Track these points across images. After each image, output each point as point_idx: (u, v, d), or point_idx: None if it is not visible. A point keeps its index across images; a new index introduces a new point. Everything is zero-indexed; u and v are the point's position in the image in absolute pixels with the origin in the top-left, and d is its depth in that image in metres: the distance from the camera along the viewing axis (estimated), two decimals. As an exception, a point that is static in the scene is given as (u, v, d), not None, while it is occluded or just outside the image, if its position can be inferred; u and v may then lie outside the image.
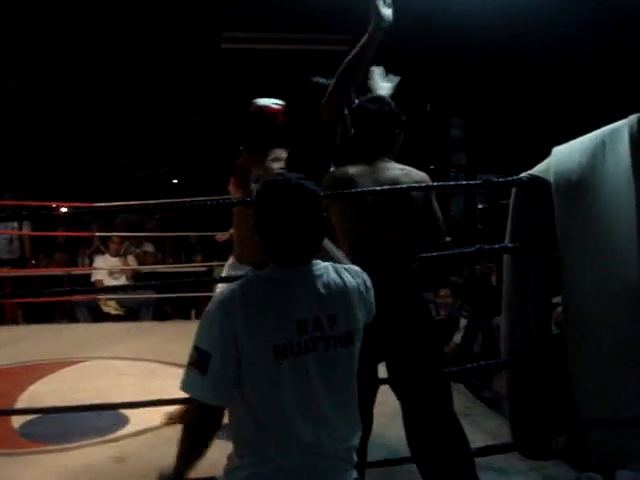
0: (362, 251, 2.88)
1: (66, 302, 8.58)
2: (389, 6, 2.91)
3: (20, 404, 4.91)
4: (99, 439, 4.23)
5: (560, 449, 3.11)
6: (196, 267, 9.09)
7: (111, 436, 4.28)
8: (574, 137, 3.02)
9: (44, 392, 5.18)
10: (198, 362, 1.92)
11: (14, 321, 8.49)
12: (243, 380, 1.93)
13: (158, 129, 11.23)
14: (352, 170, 2.99)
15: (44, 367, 5.79)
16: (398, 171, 2.99)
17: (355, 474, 2.05)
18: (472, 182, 3.03)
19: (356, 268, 2.14)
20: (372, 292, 2.14)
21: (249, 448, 1.97)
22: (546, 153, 3.09)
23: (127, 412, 4.45)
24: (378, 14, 2.88)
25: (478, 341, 6.00)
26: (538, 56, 8.20)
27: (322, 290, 1.99)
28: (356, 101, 3.12)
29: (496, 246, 3.06)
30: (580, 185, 2.84)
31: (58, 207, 10.40)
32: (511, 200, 3.05)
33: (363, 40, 2.90)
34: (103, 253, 8.88)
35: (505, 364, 3.22)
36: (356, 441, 2.05)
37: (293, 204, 1.96)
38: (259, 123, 3.55)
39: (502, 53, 8.19)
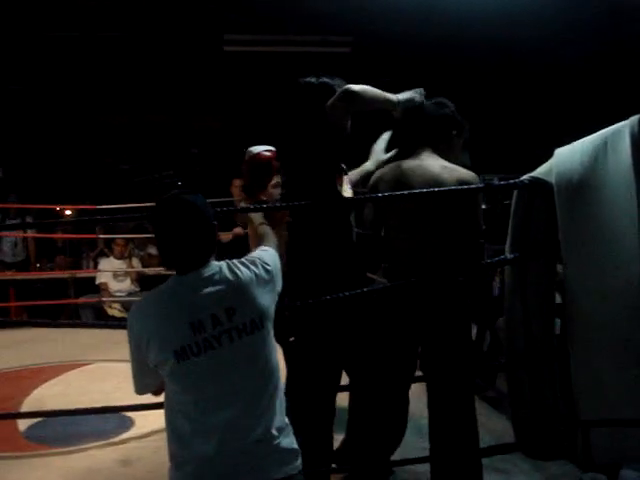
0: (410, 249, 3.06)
1: (71, 305, 8.61)
2: (421, 96, 3.24)
3: (25, 407, 4.93)
4: (104, 442, 4.25)
5: (564, 449, 3.12)
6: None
7: (116, 439, 4.30)
8: (577, 137, 3.02)
9: (49, 395, 5.21)
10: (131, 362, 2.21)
11: (19, 324, 8.52)
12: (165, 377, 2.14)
13: (159, 132, 11.24)
14: (403, 166, 3.13)
15: (49, 370, 5.82)
16: (439, 167, 3.10)
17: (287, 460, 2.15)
18: (473, 186, 3.03)
19: (253, 256, 2.30)
20: (276, 269, 2.30)
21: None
22: (549, 153, 3.09)
23: (132, 415, 4.48)
24: (412, 100, 3.18)
25: (486, 339, 5.99)
26: (540, 56, 8.19)
27: (216, 288, 2.14)
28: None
29: (495, 259, 3.08)
30: (582, 186, 2.84)
31: (62, 210, 10.43)
32: (512, 202, 3.06)
33: (389, 100, 3.14)
34: (107, 256, 8.91)
35: (507, 364, 3.23)
36: (277, 425, 2.15)
37: (174, 217, 2.16)
38: (256, 170, 3.59)
39: (504, 53, 8.18)
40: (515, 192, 3.08)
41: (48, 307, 8.69)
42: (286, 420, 2.20)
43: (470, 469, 3.06)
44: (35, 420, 4.46)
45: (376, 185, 3.16)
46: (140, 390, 2.26)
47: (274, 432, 2.12)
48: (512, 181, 3.07)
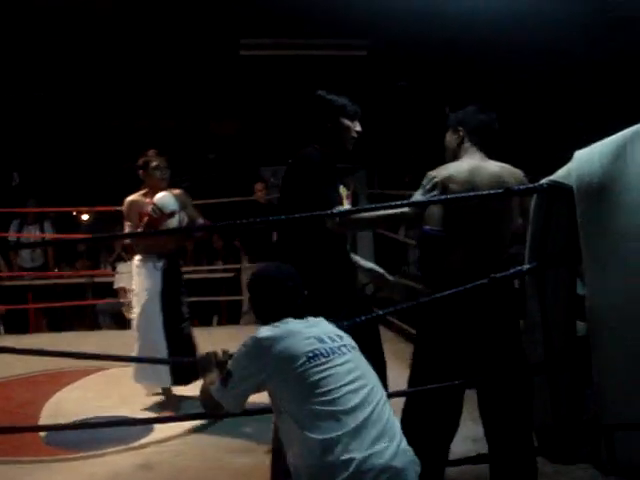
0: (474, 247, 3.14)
1: (89, 309, 8.66)
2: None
3: (46, 412, 4.97)
4: (124, 447, 4.26)
5: (587, 453, 3.10)
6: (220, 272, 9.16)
7: (136, 444, 4.31)
8: (588, 137, 3.01)
9: (69, 400, 5.24)
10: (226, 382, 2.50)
11: (38, 329, 8.58)
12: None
13: (176, 137, 11.26)
14: (466, 167, 3.19)
15: (69, 375, 5.84)
16: (498, 168, 3.21)
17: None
18: (493, 192, 3.03)
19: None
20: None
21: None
22: (564, 154, 3.07)
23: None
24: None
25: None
26: (557, 57, 8.15)
27: (322, 324, 2.63)
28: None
29: (517, 269, 3.07)
30: (602, 188, 2.82)
31: (80, 214, 10.47)
32: (532, 207, 3.03)
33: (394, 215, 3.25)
34: (125, 260, 8.93)
35: (528, 369, 3.20)
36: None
37: (282, 279, 2.68)
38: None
39: (520, 55, 8.15)
40: (534, 196, 3.05)
41: (66, 311, 8.74)
42: None
43: (530, 469, 3.14)
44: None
45: (446, 184, 3.14)
46: (234, 408, 2.53)
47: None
48: (532, 185, 3.05)
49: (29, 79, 9.11)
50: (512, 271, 3.08)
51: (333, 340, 2.50)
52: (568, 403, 3.06)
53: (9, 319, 8.63)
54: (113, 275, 8.86)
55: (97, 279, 9.16)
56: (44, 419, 4.83)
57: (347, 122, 3.40)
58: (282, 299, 2.65)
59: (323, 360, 2.40)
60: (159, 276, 4.99)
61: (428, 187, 3.13)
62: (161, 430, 4.39)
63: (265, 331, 2.50)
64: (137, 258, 5.11)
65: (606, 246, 2.80)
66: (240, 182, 10.29)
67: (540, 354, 3.06)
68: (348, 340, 2.57)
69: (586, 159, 2.91)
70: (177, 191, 5.05)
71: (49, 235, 9.19)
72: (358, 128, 3.43)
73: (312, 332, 2.50)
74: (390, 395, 2.80)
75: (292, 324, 2.54)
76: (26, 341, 7.10)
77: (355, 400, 2.33)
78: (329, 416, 2.28)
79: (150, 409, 4.90)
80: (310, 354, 2.40)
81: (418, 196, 3.17)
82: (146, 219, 4.82)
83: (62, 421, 4.62)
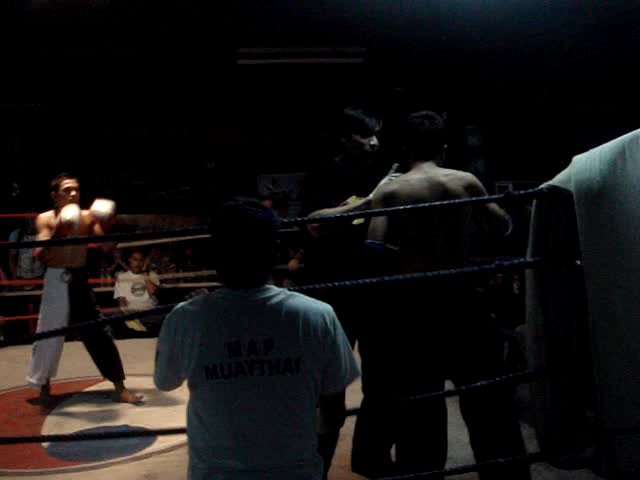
0: (426, 258, 3.14)
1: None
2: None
3: (50, 422, 4.97)
4: (128, 456, 4.26)
5: (589, 458, 3.11)
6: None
7: (140, 453, 4.31)
8: (591, 142, 3.03)
9: (72, 410, 5.24)
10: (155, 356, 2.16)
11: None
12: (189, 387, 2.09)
13: (174, 146, 11.28)
14: (410, 180, 3.24)
15: (72, 385, 5.85)
16: (443, 177, 3.18)
17: None
18: (493, 197, 3.06)
19: (324, 306, 2.14)
20: (333, 333, 2.11)
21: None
22: (563, 159, 3.09)
23: (155, 429, 4.49)
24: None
25: (505, 348, 5.98)
26: (554, 62, 8.18)
27: (264, 314, 2.04)
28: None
29: (516, 261, 3.08)
30: (602, 194, 2.84)
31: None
32: (532, 211, 3.06)
33: (359, 206, 3.37)
34: (125, 270, 8.95)
35: (531, 375, 3.22)
36: (304, 456, 2.07)
37: (237, 230, 2.06)
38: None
39: (517, 59, 8.18)
40: (534, 201, 3.07)
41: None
42: (316, 456, 2.12)
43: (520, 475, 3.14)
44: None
45: (388, 199, 3.21)
46: (161, 385, 2.21)
47: (299, 462, 2.05)
48: (531, 190, 3.08)
49: (25, 89, 9.13)
50: (516, 261, 3.11)
51: (254, 351, 2.01)
52: (569, 407, 3.07)
53: (9, 329, 8.61)
54: (113, 285, 8.88)
55: (97, 289, 9.14)
56: (47, 430, 4.82)
57: (359, 138, 3.57)
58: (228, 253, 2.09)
59: (222, 380, 2.01)
60: (65, 288, 5.29)
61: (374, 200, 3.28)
62: (164, 440, 4.39)
63: (178, 306, 2.14)
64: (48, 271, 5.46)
65: (605, 250, 2.81)
66: (239, 190, 10.30)
67: (542, 356, 3.08)
68: (284, 353, 2.03)
69: (585, 164, 2.94)
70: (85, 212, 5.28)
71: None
72: (373, 142, 3.59)
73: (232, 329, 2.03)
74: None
75: (222, 298, 2.09)
76: (27, 352, 7.10)
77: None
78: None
79: (153, 419, 4.91)
80: (210, 367, 2.01)
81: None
82: (53, 231, 5.11)
83: (65, 432, 4.63)
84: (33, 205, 9.62)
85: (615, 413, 2.86)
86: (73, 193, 5.35)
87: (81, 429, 4.74)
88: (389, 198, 3.20)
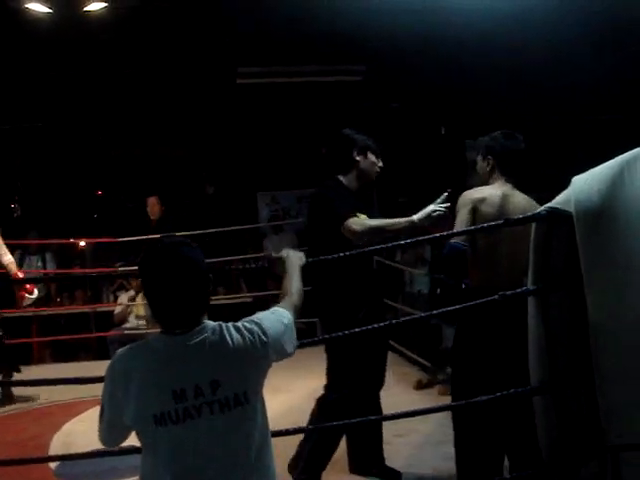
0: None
1: (94, 339, 8.65)
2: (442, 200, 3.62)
3: (55, 443, 4.98)
4: (135, 477, 4.26)
5: (592, 475, 3.12)
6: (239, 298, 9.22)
7: (147, 473, 4.31)
8: (589, 157, 3.07)
9: (78, 431, 5.24)
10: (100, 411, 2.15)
11: (41, 360, 8.57)
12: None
13: (173, 166, 11.29)
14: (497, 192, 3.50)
15: (77, 405, 5.86)
16: (523, 200, 3.50)
17: None
18: (493, 223, 3.16)
19: (254, 320, 2.15)
20: (274, 338, 2.14)
21: None
22: (564, 173, 3.12)
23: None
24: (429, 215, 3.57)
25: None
26: (552, 77, 8.23)
27: (205, 357, 2.03)
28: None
29: (518, 290, 3.12)
30: (601, 214, 2.84)
31: (78, 244, 10.50)
32: (532, 236, 3.06)
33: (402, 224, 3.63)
34: (127, 289, 8.96)
35: (533, 391, 3.24)
36: None
37: (165, 270, 2.02)
38: None
39: (516, 74, 8.24)
40: (534, 225, 3.08)
41: (70, 341, 8.73)
42: None
43: None
44: (66, 457, 4.50)
45: (477, 205, 3.44)
46: (107, 442, 2.23)
47: None
48: (530, 214, 3.12)
49: (25, 111, 9.18)
50: (518, 290, 3.16)
51: (201, 394, 2.00)
52: (574, 423, 3.09)
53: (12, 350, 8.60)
54: (115, 305, 8.90)
55: (100, 309, 9.16)
56: (54, 450, 4.84)
57: (374, 158, 3.95)
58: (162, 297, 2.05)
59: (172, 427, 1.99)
60: None
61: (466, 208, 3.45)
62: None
63: (118, 353, 2.12)
64: None
65: (606, 271, 2.84)
66: (239, 209, 10.37)
67: (546, 376, 3.10)
68: (232, 390, 2.02)
69: (584, 185, 2.94)
70: None
71: (51, 270, 9.24)
72: (381, 164, 3.98)
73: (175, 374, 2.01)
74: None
75: (161, 344, 2.06)
76: (31, 372, 7.11)
77: None
78: None
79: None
80: (158, 415, 1.99)
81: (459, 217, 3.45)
82: None
83: (72, 452, 4.63)
84: (34, 226, 9.68)
85: (619, 429, 2.88)
86: None
87: (88, 449, 4.74)
88: (478, 205, 3.43)
